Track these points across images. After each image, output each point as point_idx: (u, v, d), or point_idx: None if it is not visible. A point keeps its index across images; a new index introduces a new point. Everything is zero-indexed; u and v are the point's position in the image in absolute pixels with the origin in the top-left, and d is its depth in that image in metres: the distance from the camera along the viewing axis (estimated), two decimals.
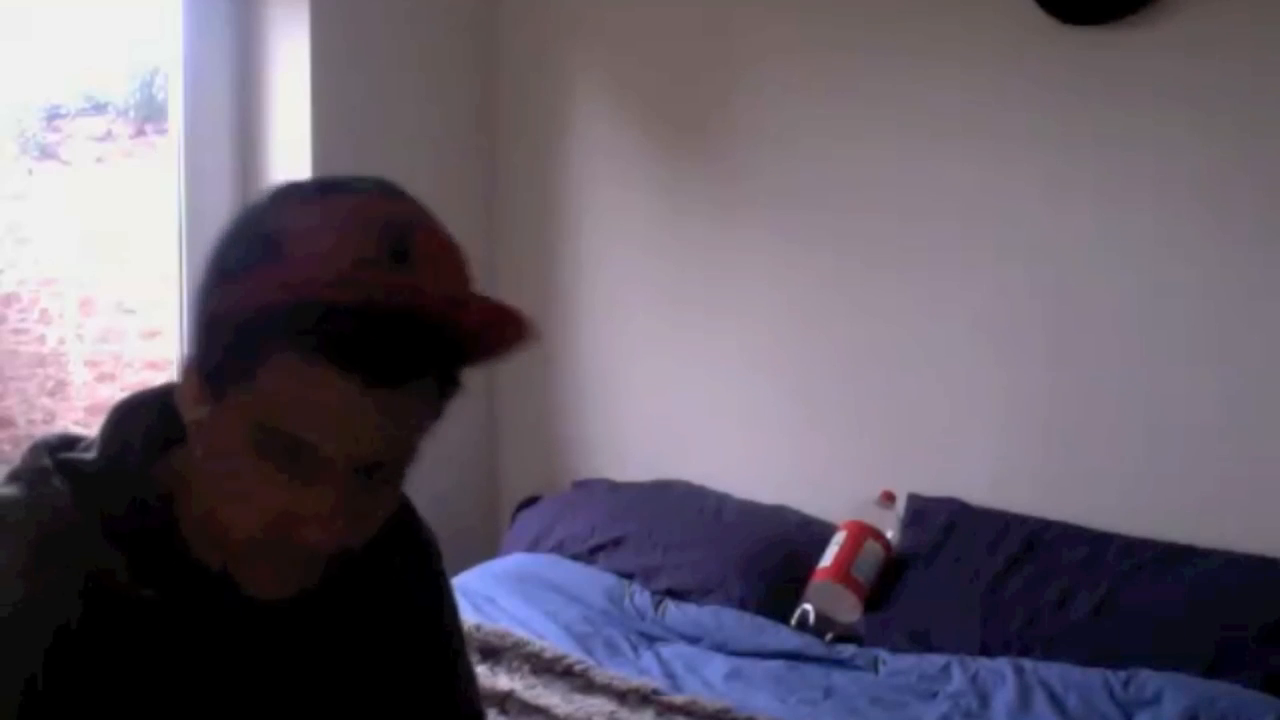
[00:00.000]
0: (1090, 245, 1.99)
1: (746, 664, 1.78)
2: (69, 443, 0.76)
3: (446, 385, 0.73)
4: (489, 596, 1.99)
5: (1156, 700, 1.59)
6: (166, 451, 0.76)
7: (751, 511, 2.22)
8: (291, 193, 0.72)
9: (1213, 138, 1.87)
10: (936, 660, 1.77)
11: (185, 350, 0.73)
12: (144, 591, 0.71)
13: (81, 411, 6.07)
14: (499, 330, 0.72)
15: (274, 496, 0.68)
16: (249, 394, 0.67)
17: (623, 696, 1.62)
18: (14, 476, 0.73)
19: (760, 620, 1.93)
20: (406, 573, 0.88)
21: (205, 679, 0.74)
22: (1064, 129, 1.99)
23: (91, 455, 0.75)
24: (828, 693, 1.69)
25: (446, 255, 0.71)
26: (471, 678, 0.97)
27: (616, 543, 2.17)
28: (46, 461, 0.73)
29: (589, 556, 2.17)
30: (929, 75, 2.11)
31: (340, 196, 0.70)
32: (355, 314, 0.64)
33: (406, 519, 0.89)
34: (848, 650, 1.84)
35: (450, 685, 0.93)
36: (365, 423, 0.67)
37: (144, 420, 0.77)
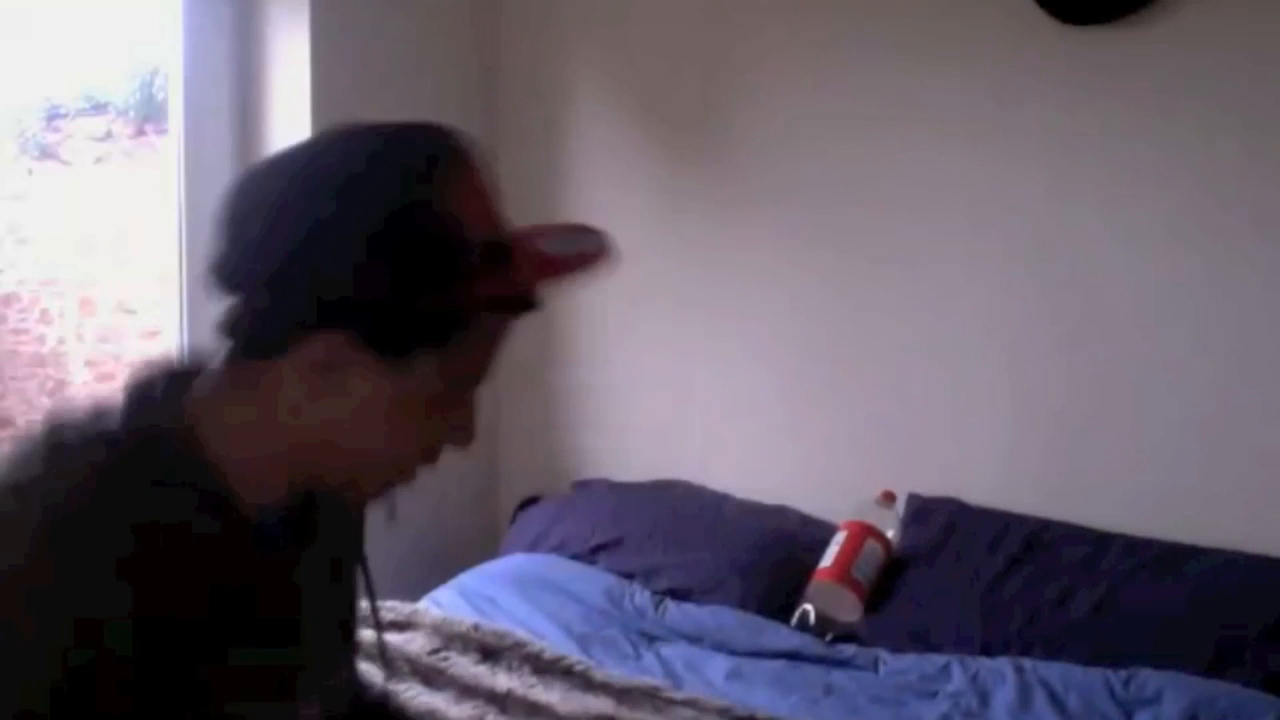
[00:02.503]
0: (1094, 242, 1.99)
1: (747, 664, 1.78)
2: (85, 414, 0.76)
3: None
4: (489, 596, 1.99)
5: (1157, 700, 1.59)
6: (182, 403, 0.77)
7: (752, 511, 2.22)
8: (414, 166, 0.75)
9: (1216, 133, 1.87)
10: (937, 660, 1.77)
11: (318, 323, 0.73)
12: (198, 522, 0.73)
13: None
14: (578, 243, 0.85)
15: (437, 430, 0.79)
16: (446, 353, 0.75)
17: (622, 695, 1.62)
18: (28, 457, 0.72)
19: (760, 620, 1.93)
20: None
21: (247, 603, 0.76)
22: (1066, 126, 1.99)
23: (115, 422, 0.74)
24: (828, 692, 1.69)
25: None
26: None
27: (617, 543, 2.17)
28: (66, 437, 0.73)
29: (589, 556, 2.17)
30: (930, 73, 2.11)
31: (463, 164, 0.77)
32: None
33: None
34: (848, 650, 1.84)
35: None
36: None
37: (160, 383, 0.78)
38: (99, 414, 0.75)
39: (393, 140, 0.76)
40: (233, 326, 0.75)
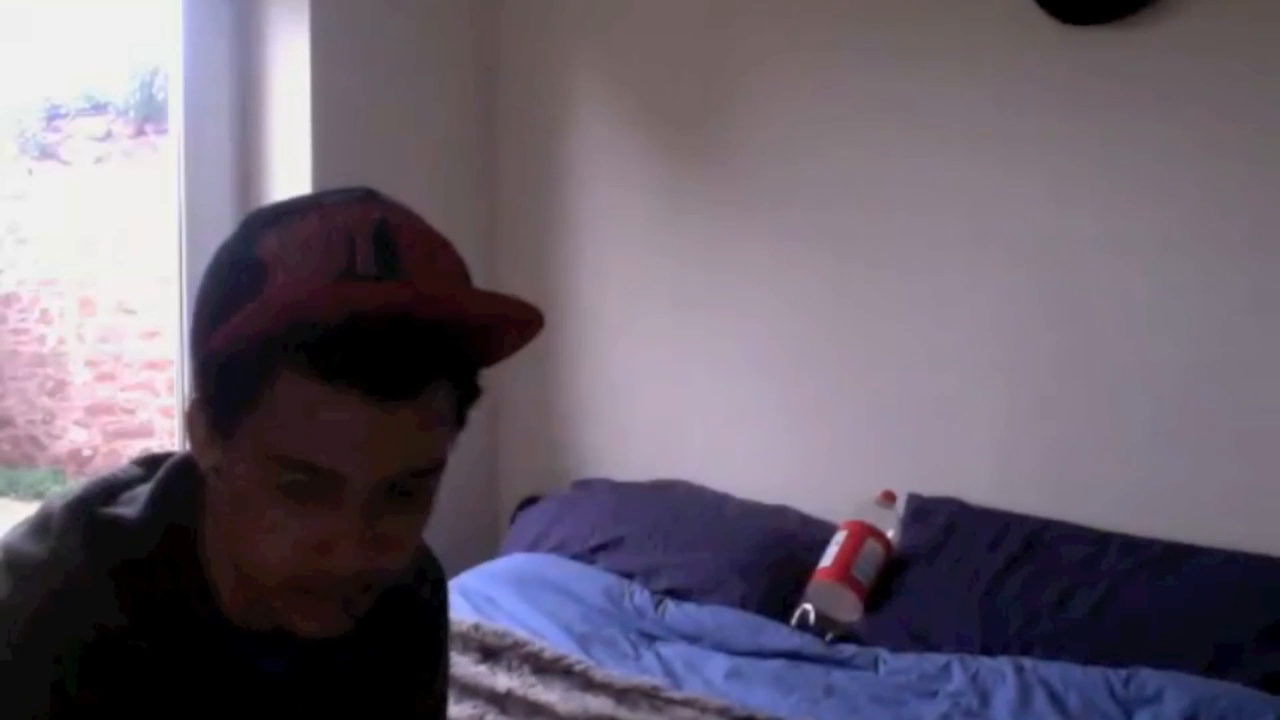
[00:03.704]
0: (1093, 244, 1.99)
1: (747, 663, 1.78)
2: (112, 490, 0.76)
3: (463, 390, 0.71)
4: (489, 596, 1.99)
5: (1157, 699, 1.59)
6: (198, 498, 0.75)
7: (752, 511, 2.22)
8: (264, 218, 0.70)
9: (1216, 142, 1.87)
10: (937, 659, 1.77)
11: (188, 397, 0.72)
12: (139, 643, 0.71)
13: (81, 411, 6.09)
14: (502, 323, 0.70)
15: (299, 529, 0.66)
16: (257, 427, 0.66)
17: (622, 695, 1.62)
18: (43, 531, 0.73)
19: (760, 620, 1.93)
20: (408, 637, 0.87)
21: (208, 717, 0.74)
22: (1066, 133, 1.99)
23: (133, 511, 0.74)
24: (828, 692, 1.69)
25: (437, 254, 0.69)
26: None
27: (617, 543, 2.17)
28: (74, 523, 0.73)
29: (589, 556, 2.17)
30: (930, 78, 2.11)
31: (314, 212, 0.68)
32: (346, 328, 0.63)
33: (419, 582, 0.88)
34: (848, 650, 1.84)
35: None
36: (376, 438, 0.65)
37: (193, 478, 0.75)
38: (126, 497, 0.75)
39: (275, 207, 0.71)
40: None
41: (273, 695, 0.77)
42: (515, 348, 0.73)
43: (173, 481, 0.75)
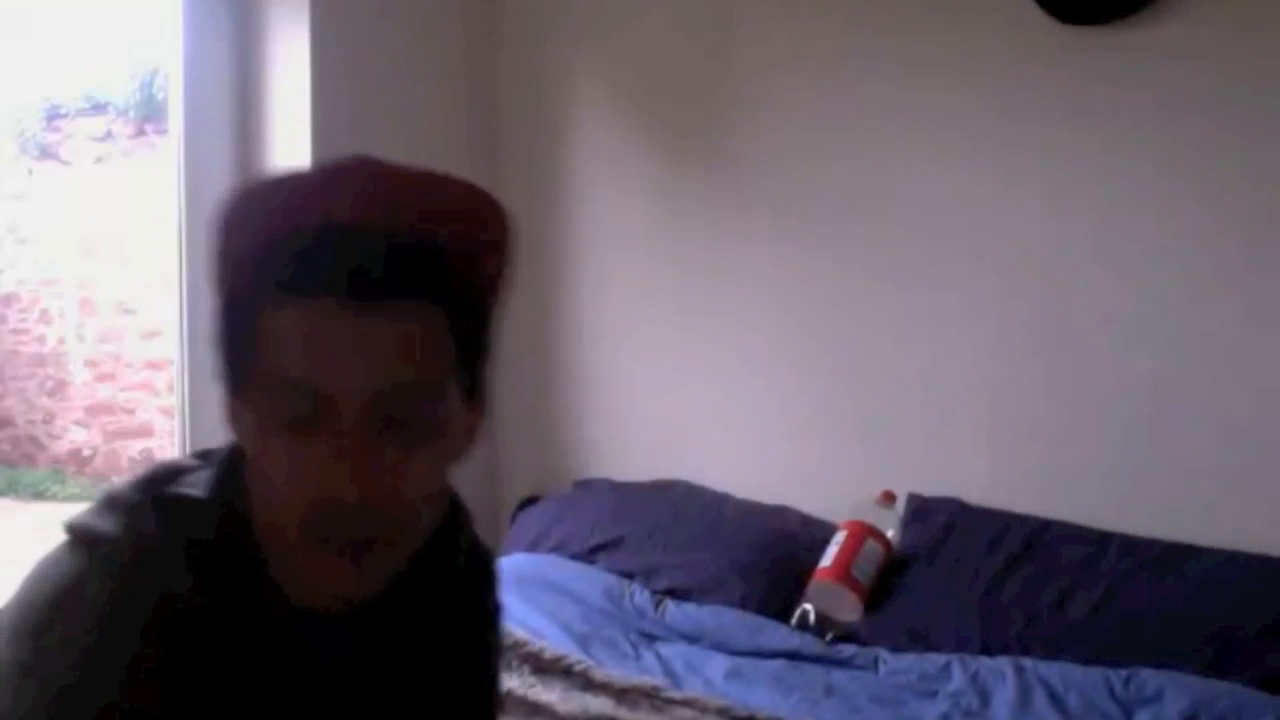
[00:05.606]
0: (1090, 246, 1.99)
1: (746, 663, 1.78)
2: (176, 473, 0.78)
3: (457, 321, 0.72)
4: None
5: (1157, 699, 1.59)
6: None
7: (752, 511, 2.22)
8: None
9: (1216, 151, 1.86)
10: (937, 659, 1.77)
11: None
12: (211, 618, 0.71)
13: (81, 411, 6.09)
14: (467, 220, 0.72)
15: (300, 458, 0.68)
16: (254, 370, 0.69)
17: (622, 695, 1.62)
18: (112, 509, 0.74)
19: (760, 620, 1.93)
20: (456, 603, 0.88)
21: (267, 696, 0.74)
22: (1066, 142, 1.98)
23: (199, 491, 0.75)
24: (828, 692, 1.69)
25: (408, 172, 0.72)
26: (500, 705, 0.98)
27: (617, 542, 2.17)
28: (144, 499, 0.74)
29: (589, 556, 2.17)
30: (930, 86, 2.11)
31: (285, 173, 0.75)
32: (315, 237, 0.67)
33: (463, 553, 0.90)
34: (848, 649, 1.84)
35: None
36: (353, 348, 0.67)
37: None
38: (190, 479, 0.77)
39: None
40: None
41: (333, 675, 0.78)
42: (496, 269, 0.74)
43: (234, 464, 0.76)
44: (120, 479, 0.78)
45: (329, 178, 0.72)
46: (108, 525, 0.72)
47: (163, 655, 0.68)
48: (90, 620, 0.68)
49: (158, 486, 0.75)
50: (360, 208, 0.69)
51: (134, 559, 0.70)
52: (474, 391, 0.77)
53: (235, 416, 0.73)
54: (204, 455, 0.80)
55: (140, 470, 0.78)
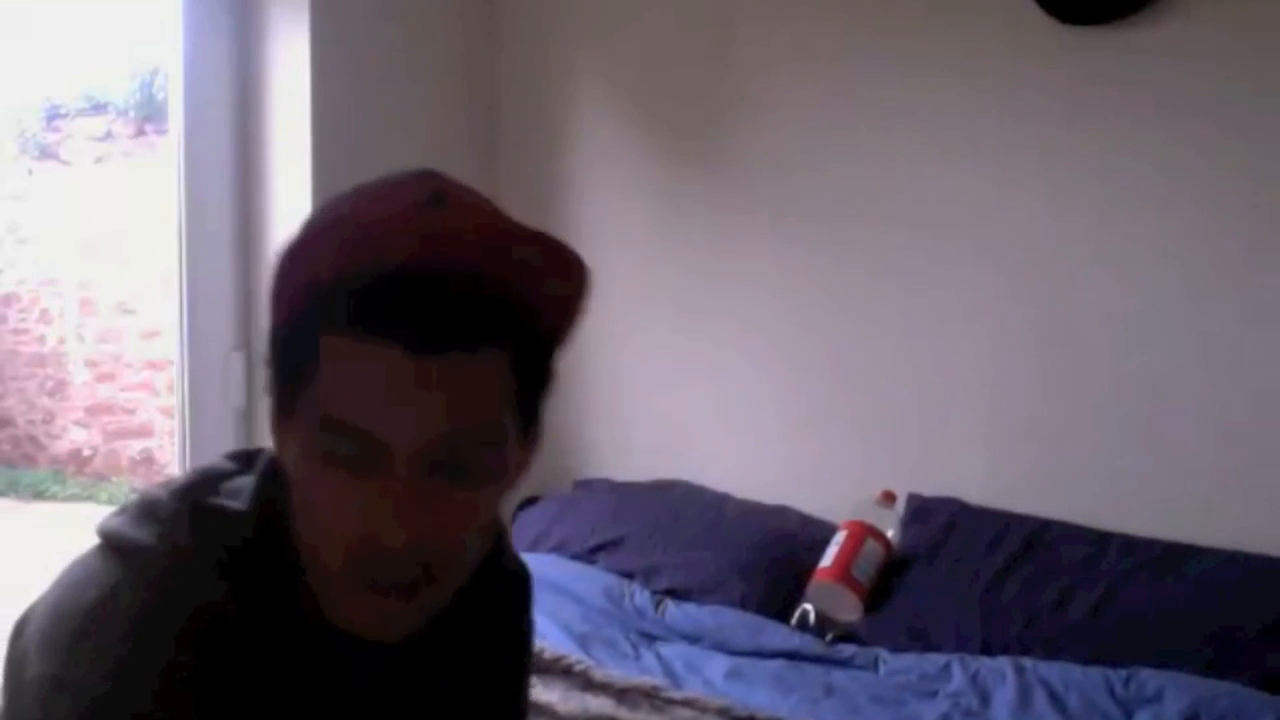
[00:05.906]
0: (1090, 246, 1.99)
1: (747, 663, 1.78)
2: (213, 481, 0.76)
3: (520, 359, 0.70)
4: None
5: (1157, 699, 1.59)
6: None
7: (752, 511, 2.22)
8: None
9: (1216, 152, 1.86)
10: (937, 659, 1.77)
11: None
12: (245, 631, 0.70)
13: (81, 411, 6.09)
14: (544, 273, 0.69)
15: (350, 498, 0.66)
16: (308, 399, 0.67)
17: (622, 695, 1.62)
18: (149, 518, 0.73)
19: (760, 620, 1.93)
20: (494, 627, 0.87)
21: (299, 709, 0.73)
22: (1066, 143, 1.99)
23: (239, 504, 0.74)
24: (828, 691, 1.69)
25: (482, 203, 0.70)
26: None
27: (617, 542, 2.17)
28: (182, 509, 0.73)
29: (589, 556, 2.17)
30: (931, 86, 2.11)
31: (362, 187, 0.70)
32: (389, 278, 0.64)
33: (502, 574, 0.88)
34: (848, 649, 1.84)
35: None
36: (414, 394, 0.65)
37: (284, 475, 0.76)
38: (228, 488, 0.75)
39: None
40: None
41: (365, 696, 0.77)
42: (568, 320, 0.73)
43: (275, 475, 0.75)
44: (160, 483, 0.76)
45: (410, 213, 0.66)
46: (142, 534, 0.71)
47: (196, 664, 0.67)
48: (124, 630, 0.67)
49: (196, 494, 0.74)
50: (438, 250, 0.66)
51: (168, 569, 0.70)
52: (529, 429, 0.77)
53: (282, 436, 0.72)
54: (244, 458, 0.79)
55: (180, 476, 0.77)
